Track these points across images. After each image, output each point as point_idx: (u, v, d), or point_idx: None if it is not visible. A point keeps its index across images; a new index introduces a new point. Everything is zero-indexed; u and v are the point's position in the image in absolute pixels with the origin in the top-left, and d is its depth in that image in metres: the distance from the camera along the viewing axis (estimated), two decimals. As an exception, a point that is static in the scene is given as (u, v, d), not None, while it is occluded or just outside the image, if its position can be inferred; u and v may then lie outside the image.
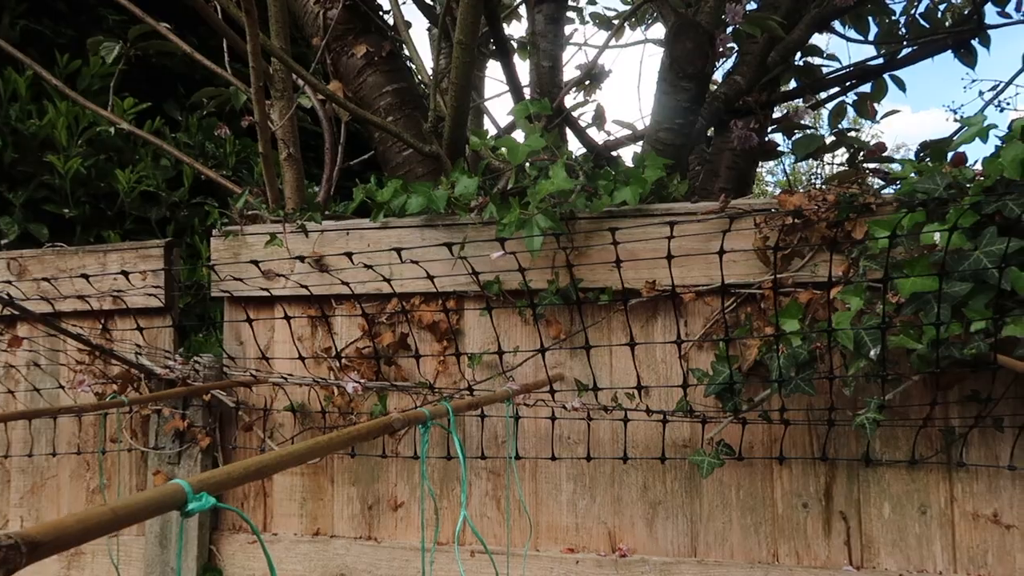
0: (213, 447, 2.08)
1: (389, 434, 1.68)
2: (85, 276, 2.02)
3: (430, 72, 2.98)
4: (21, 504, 2.30)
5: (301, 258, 2.01)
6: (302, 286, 2.04)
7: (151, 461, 2.11)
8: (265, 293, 2.08)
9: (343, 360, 2.05)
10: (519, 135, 2.48)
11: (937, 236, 1.61)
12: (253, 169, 3.97)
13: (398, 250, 1.83)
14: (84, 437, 2.25)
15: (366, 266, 1.88)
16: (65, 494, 2.27)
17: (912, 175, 1.77)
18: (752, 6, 3.21)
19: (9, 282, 2.23)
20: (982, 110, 3.93)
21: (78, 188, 3.37)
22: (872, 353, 1.58)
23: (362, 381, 1.90)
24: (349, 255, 1.85)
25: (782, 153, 3.53)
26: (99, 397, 2.16)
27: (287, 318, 2.06)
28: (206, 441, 2.05)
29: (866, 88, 3.56)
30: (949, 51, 3.46)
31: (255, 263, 1.97)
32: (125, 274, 2.00)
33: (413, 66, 3.10)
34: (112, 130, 3.36)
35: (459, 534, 1.97)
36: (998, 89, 3.65)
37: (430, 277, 1.90)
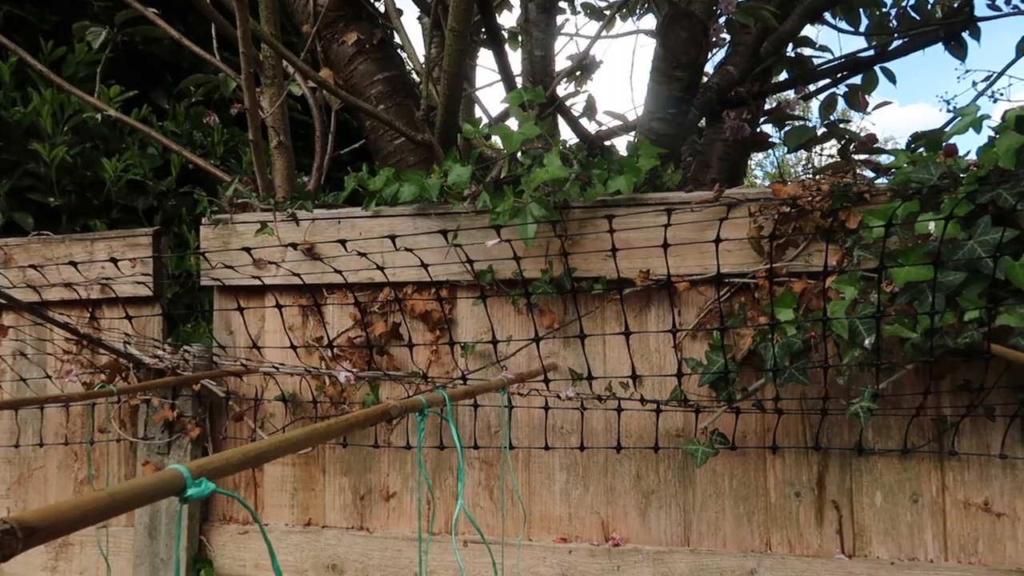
0: (203, 437, 2.06)
1: (387, 421, 1.67)
2: (73, 263, 1.99)
3: (422, 60, 2.95)
4: (8, 495, 2.27)
5: (293, 245, 2.00)
6: (294, 274, 2.02)
7: (140, 452, 2.08)
8: (256, 282, 2.06)
9: (335, 349, 2.03)
10: (511, 125, 2.46)
11: (932, 225, 1.61)
12: (241, 159, 3.93)
13: (392, 238, 1.81)
14: (72, 427, 2.22)
15: (359, 254, 1.86)
16: (53, 485, 2.25)
17: (905, 165, 1.77)
18: (745, -4, 3.20)
19: (-5, 270, 2.20)
20: (974, 100, 3.94)
21: (64, 177, 3.33)
22: (867, 342, 1.58)
23: (354, 371, 1.88)
24: (342, 242, 1.83)
25: (774, 144, 3.53)
26: (87, 387, 2.14)
27: (278, 307, 2.04)
28: (196, 431, 2.03)
29: (857, 80, 3.57)
30: (939, 43, 3.46)
31: (247, 250, 1.95)
32: (114, 261, 1.98)
33: (404, 54, 3.08)
34: (99, 117, 3.31)
35: (453, 523, 1.96)
36: (991, 80, 3.66)
37: (424, 265, 1.89)
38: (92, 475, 2.15)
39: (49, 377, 2.21)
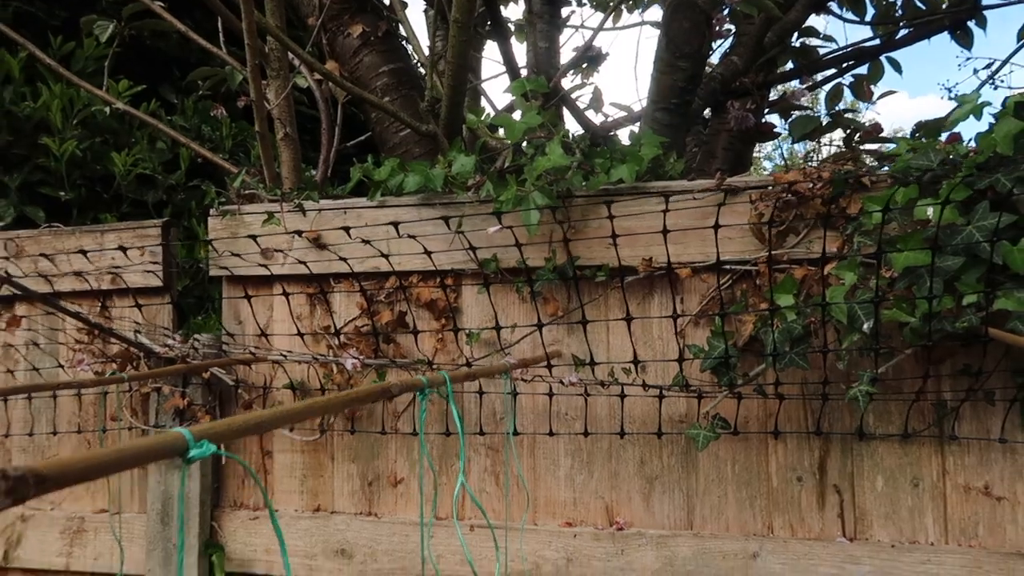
0: (213, 424, 2.09)
1: (387, 399, 1.70)
2: (83, 252, 2.03)
3: (427, 52, 2.98)
4: (22, 482, 2.32)
5: (298, 232, 2.03)
6: (300, 262, 2.05)
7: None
8: (264, 271, 2.09)
9: (342, 338, 2.06)
10: (517, 116, 2.49)
11: (930, 211, 1.63)
12: (250, 152, 3.96)
13: (395, 224, 1.84)
14: (84, 416, 2.26)
15: (364, 241, 1.89)
16: (66, 472, 2.29)
17: (906, 153, 1.78)
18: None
19: (7, 258, 2.23)
20: (978, 89, 3.93)
21: (74, 171, 3.36)
22: (865, 326, 1.60)
23: (361, 358, 1.91)
24: (346, 229, 1.86)
25: (778, 134, 3.53)
26: (98, 375, 2.17)
27: (285, 294, 2.07)
28: (206, 419, 2.06)
29: (863, 70, 3.56)
30: (945, 32, 3.46)
31: (253, 237, 1.98)
32: (123, 249, 2.01)
33: (410, 47, 3.10)
34: (107, 110, 3.35)
35: (458, 509, 1.99)
36: (995, 68, 3.66)
37: (427, 252, 1.92)
38: (105, 462, 2.18)
39: (61, 366, 2.25)
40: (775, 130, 3.47)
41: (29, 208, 3.20)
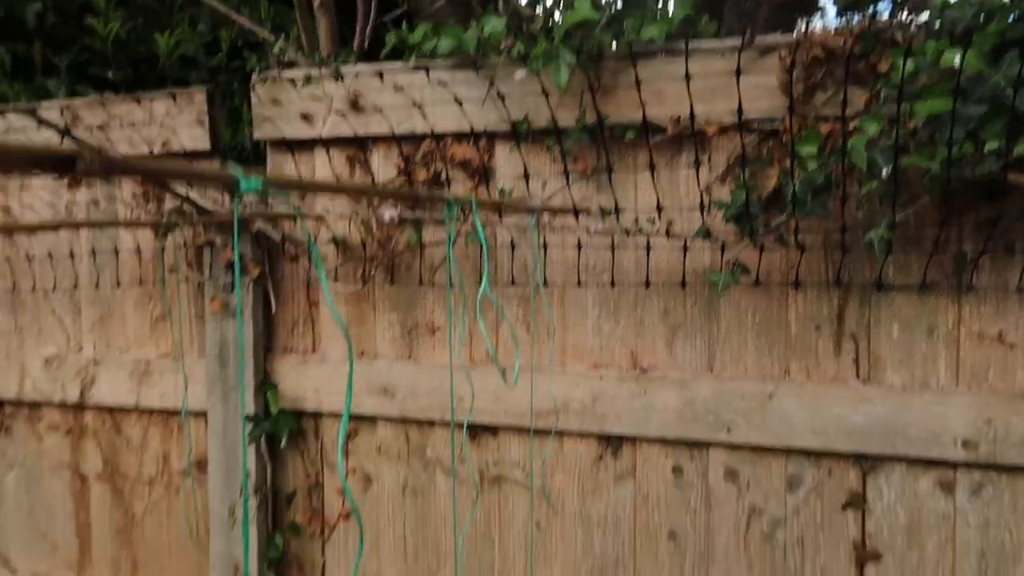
0: (263, 276, 2.24)
1: (414, 201, 1.79)
2: (138, 101, 2.15)
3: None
4: (92, 331, 2.52)
5: (338, 78, 2.11)
6: (341, 115, 2.13)
7: (207, 291, 2.28)
8: (306, 132, 2.18)
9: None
10: None
11: (957, 60, 1.63)
12: (288, 35, 3.98)
13: (426, 69, 1.90)
14: (144, 270, 2.43)
15: (396, 88, 1.96)
16: (131, 322, 2.48)
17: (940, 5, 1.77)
18: None
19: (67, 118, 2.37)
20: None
21: (119, 52, 3.45)
22: (884, 172, 1.64)
23: (398, 209, 2.01)
24: (380, 75, 1.93)
25: (821, 8, 3.46)
26: (154, 231, 2.32)
27: (327, 150, 2.16)
28: (256, 270, 2.20)
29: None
30: None
31: (294, 84, 2.07)
32: (173, 97, 2.13)
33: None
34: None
35: (493, 354, 2.12)
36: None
37: (458, 102, 1.98)
38: (168, 311, 2.37)
39: (121, 224, 2.40)
40: (817, 2, 3.40)
41: (79, 87, 3.32)
